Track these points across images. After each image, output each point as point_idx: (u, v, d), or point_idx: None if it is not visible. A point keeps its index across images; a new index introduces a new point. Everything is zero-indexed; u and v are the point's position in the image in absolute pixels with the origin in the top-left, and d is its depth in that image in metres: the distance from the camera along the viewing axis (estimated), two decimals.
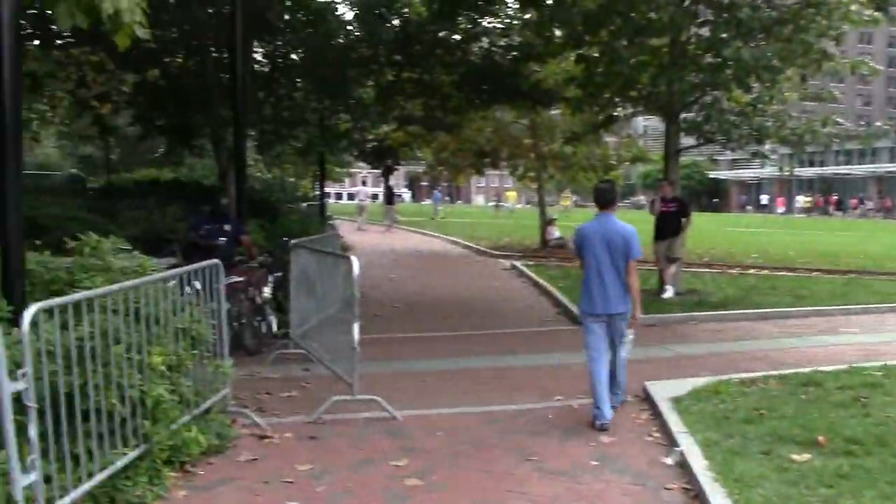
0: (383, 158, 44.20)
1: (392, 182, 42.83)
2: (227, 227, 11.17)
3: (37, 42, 15.12)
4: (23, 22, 16.24)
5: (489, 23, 18.58)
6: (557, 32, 15.90)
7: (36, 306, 4.61)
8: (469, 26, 17.93)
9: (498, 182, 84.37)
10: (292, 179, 30.66)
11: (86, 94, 10.41)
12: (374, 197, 42.89)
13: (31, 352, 4.51)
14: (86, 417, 5.19)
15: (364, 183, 47.00)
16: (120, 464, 5.35)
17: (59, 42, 14.42)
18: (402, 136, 25.86)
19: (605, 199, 7.77)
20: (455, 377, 9.39)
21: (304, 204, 24.92)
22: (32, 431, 4.48)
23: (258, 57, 18.40)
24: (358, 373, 7.64)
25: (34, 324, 4.64)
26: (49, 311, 4.96)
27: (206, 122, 16.19)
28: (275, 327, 11.17)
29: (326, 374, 8.78)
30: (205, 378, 6.82)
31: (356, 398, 7.61)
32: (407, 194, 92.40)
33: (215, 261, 7.36)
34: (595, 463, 6.51)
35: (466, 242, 29.45)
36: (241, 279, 10.79)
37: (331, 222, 31.69)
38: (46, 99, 10.60)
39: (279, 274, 11.68)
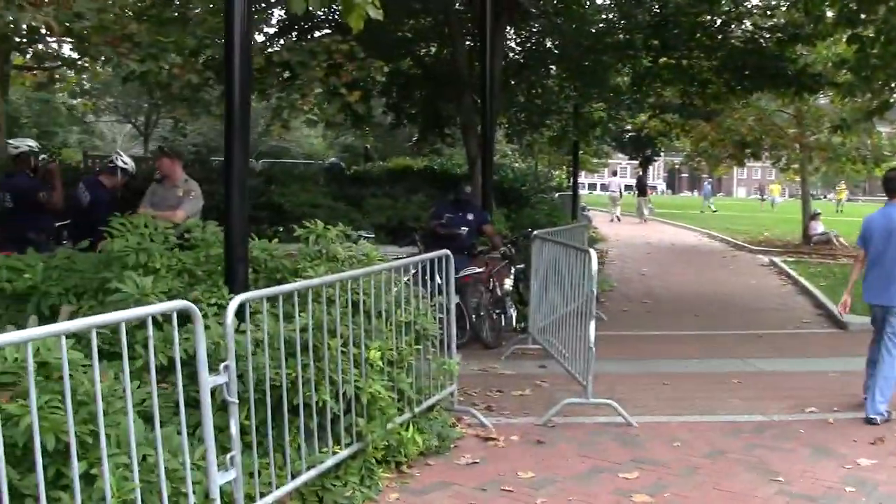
0: (641, 149, 43.20)
1: (644, 173, 41.68)
2: (469, 217, 10.96)
3: (294, 34, 15.67)
4: (280, 13, 16.89)
5: (752, 3, 17.31)
6: (828, 12, 14.51)
7: (241, 297, 4.47)
8: (731, 7, 16.77)
9: (760, 174, 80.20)
10: (545, 169, 30.30)
11: (336, 82, 10.52)
12: (629, 188, 41.80)
13: (235, 344, 4.37)
14: (296, 413, 5.05)
15: (615, 174, 45.89)
16: (330, 462, 5.16)
17: (313, 33, 14.85)
18: (659, 126, 24.85)
19: (890, 186, 7.37)
20: (699, 381, 8.64)
21: (556, 194, 24.49)
22: (234, 427, 4.34)
23: (511, 44, 18.18)
24: (593, 374, 7.13)
25: (240, 315, 4.52)
26: (264, 301, 4.84)
27: (457, 110, 16.14)
28: (514, 321, 10.85)
29: (563, 372, 8.33)
30: (429, 375, 6.57)
31: (589, 401, 7.10)
32: (660, 185, 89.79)
33: (444, 251, 7.09)
34: (850, 489, 5.65)
35: (724, 236, 27.96)
36: (481, 270, 10.55)
37: (585, 213, 31.24)
38: (298, 88, 10.78)
39: (521, 266, 11.35)
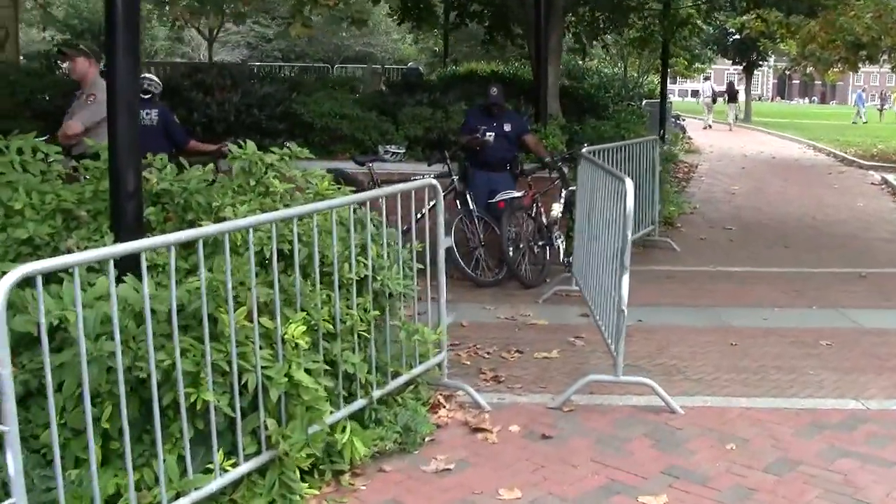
0: (745, 54, 39.99)
1: (748, 79, 38.65)
2: (506, 126, 9.21)
3: None
4: None
5: None
6: None
7: (15, 274, 2.89)
8: None
9: (879, 81, 74.75)
10: (635, 75, 27.88)
11: None
12: (720, 95, 38.76)
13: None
14: (167, 419, 3.56)
15: (708, 79, 42.71)
16: (214, 486, 3.67)
17: None
18: (760, 25, 22.16)
19: None
20: (777, 341, 6.82)
21: (644, 102, 22.28)
22: (10, 462, 2.86)
23: None
24: (624, 346, 5.42)
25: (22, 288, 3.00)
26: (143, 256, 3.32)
27: (520, 5, 14.19)
28: (563, 254, 9.14)
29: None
30: (402, 347, 4.98)
31: (620, 379, 5.41)
32: (769, 93, 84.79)
33: (428, 181, 5.42)
34: None
35: (831, 149, 25.29)
36: (520, 194, 8.83)
37: (680, 122, 28.81)
38: None
39: (574, 188, 9.58)
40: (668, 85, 35.11)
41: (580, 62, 25.46)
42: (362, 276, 4.61)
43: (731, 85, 38.32)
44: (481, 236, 8.81)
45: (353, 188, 8.72)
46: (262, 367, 3.91)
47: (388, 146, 10.00)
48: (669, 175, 15.87)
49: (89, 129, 6.93)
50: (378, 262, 4.73)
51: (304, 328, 4.08)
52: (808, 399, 5.55)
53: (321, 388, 4.16)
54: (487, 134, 9.08)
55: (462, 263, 8.55)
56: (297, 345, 4.03)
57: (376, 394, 4.70)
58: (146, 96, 8.27)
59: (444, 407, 5.23)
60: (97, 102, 6.90)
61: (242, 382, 3.82)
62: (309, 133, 10.34)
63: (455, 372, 5.96)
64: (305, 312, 4.14)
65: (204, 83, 10.56)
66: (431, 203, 9.01)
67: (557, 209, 9.10)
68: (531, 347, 6.60)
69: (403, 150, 9.98)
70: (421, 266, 5.28)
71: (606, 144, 9.23)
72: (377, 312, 4.76)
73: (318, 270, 4.37)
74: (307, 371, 4.17)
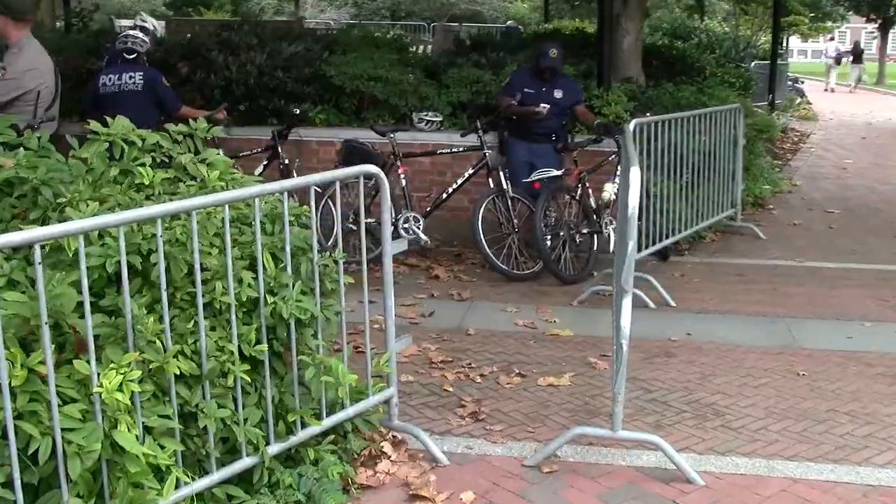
0: (881, 9, 36.83)
1: (883, 38, 35.62)
2: (557, 93, 7.85)
3: None
4: None
5: None
6: None
7: None
8: None
9: None
10: (748, 33, 25.65)
11: None
12: (850, 55, 35.71)
13: None
14: None
15: (832, 39, 39.46)
16: None
17: None
18: None
19: None
20: (860, 375, 5.30)
21: (753, 64, 20.29)
22: None
23: None
24: (623, 390, 4.09)
25: None
26: None
27: None
28: (613, 244, 7.75)
29: (645, 339, 5.49)
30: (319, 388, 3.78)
31: (617, 436, 4.08)
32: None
33: (361, 167, 4.15)
34: None
35: None
36: (559, 173, 7.49)
37: (798, 85, 26.52)
38: None
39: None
40: (792, 44, 32.59)
41: (688, 21, 23.59)
42: (247, 298, 3.42)
43: (856, 44, 35.44)
44: (515, 221, 7.51)
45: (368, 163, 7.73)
46: (68, 430, 2.81)
47: (423, 113, 8.75)
48: (773, 146, 14.14)
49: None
50: (275, 278, 3.53)
51: (136, 374, 2.95)
52: (887, 469, 4.12)
53: (162, 453, 3.04)
54: (543, 105, 7.73)
55: (490, 253, 7.29)
56: (117, 399, 2.89)
57: (273, 449, 3.53)
58: (130, 56, 7.26)
59: (388, 458, 4.04)
60: (6, 80, 5.85)
61: (33, 450, 2.73)
62: (339, 97, 9.18)
63: (426, 402, 4.79)
64: (136, 353, 2.99)
65: (229, 43, 9.50)
66: (469, 173, 7.86)
67: (611, 190, 7.70)
68: (539, 369, 5.33)
69: (440, 119, 8.71)
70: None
71: (673, 114, 7.79)
72: (279, 346, 3.59)
73: (178, 291, 3.22)
74: (147, 430, 3.07)
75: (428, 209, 7.91)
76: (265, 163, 8.08)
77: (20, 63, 5.93)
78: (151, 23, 8.38)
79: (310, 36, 10.29)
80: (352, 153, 7.89)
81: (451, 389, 4.97)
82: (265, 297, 3.46)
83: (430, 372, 5.26)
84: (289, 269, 3.58)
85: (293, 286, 3.56)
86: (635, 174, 3.99)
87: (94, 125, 3.65)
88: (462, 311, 6.54)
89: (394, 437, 4.22)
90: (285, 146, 8.17)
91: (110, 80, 7.18)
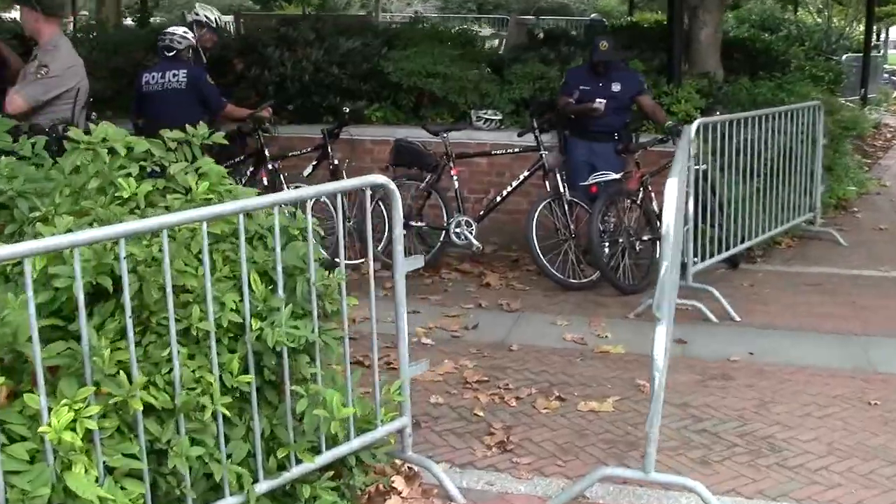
0: None
1: None
2: (615, 86, 7.40)
3: None
4: None
5: None
6: None
7: None
8: None
9: None
10: (841, 24, 24.45)
11: None
12: None
13: None
14: None
15: None
16: None
17: None
18: None
19: None
20: None
21: (845, 56, 19.32)
22: None
23: None
24: (657, 428, 3.67)
25: None
26: None
27: None
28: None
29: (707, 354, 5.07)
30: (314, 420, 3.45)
31: (648, 478, 3.65)
32: None
33: (374, 178, 3.79)
34: None
35: None
36: (618, 177, 7.03)
37: (895, 79, 25.23)
38: None
39: (703, 166, 7.66)
40: (892, 36, 31.15)
41: (779, 12, 22.62)
42: (229, 322, 3.11)
43: None
44: (572, 227, 7.09)
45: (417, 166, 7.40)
46: (12, 472, 2.55)
47: (482, 111, 8.38)
48: (862, 143, 13.35)
49: (37, 108, 5.71)
50: (264, 301, 3.21)
51: (94, 409, 2.67)
52: None
53: (122, 495, 2.75)
54: (598, 100, 7.30)
55: (544, 260, 6.89)
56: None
57: (261, 487, 3.22)
58: (170, 53, 7.05)
59: (399, 494, 3.70)
60: (50, 77, 5.67)
61: None
62: (397, 94, 8.87)
63: (453, 428, 4.44)
64: (74, 396, 2.70)
65: (286, 38, 9.27)
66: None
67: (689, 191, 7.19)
68: (581, 391, 4.92)
69: (500, 117, 8.33)
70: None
71: (742, 114, 7.27)
72: (271, 375, 3.27)
73: (132, 317, 2.93)
74: (110, 470, 2.79)
75: (481, 213, 7.55)
76: (314, 163, 7.81)
77: (60, 60, 5.75)
78: (212, 16, 8.10)
79: (371, 31, 9.96)
80: (402, 153, 7.60)
81: (481, 414, 4.61)
82: (252, 321, 3.15)
83: (462, 393, 4.90)
84: (280, 290, 3.25)
85: (285, 309, 3.24)
86: (671, 187, 3.56)
87: (74, 132, 3.38)
88: (509, 323, 6.16)
89: (408, 469, 3.88)
90: (337, 145, 7.88)
91: (153, 78, 6.99)
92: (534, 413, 4.65)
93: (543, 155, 7.27)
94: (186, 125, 3.59)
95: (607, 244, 6.86)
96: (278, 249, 3.25)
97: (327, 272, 3.46)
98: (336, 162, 7.64)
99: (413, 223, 7.48)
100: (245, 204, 3.15)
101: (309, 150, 7.89)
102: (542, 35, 13.18)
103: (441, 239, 7.42)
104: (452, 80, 8.74)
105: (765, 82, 9.48)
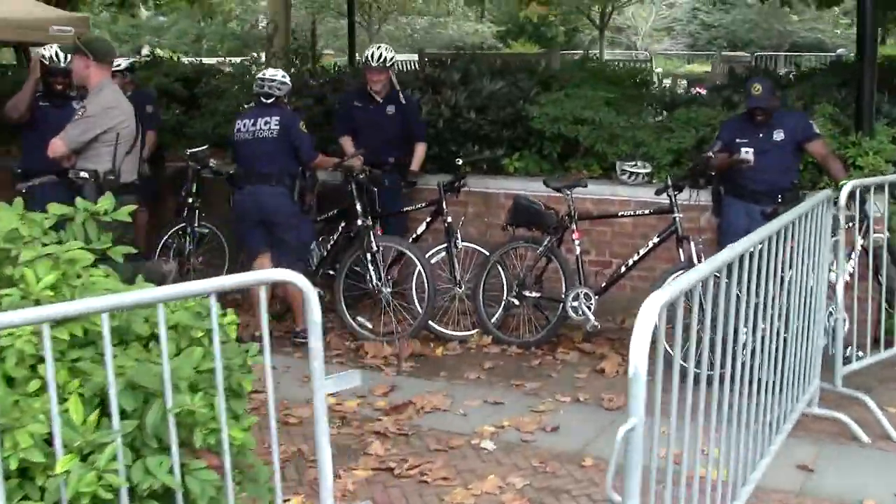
0: None
1: None
2: (777, 134, 6.17)
3: None
4: None
5: None
6: None
7: None
8: None
9: None
10: None
11: None
12: None
13: None
14: None
15: None
16: None
17: None
18: None
19: None
20: None
21: None
22: None
23: None
24: None
25: None
26: None
27: None
28: (853, 348, 5.79)
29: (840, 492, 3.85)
30: None
31: None
32: None
33: (271, 275, 2.90)
34: None
35: None
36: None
37: None
38: None
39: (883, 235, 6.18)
40: None
41: None
42: (17, 466, 2.36)
43: None
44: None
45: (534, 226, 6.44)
46: None
47: (628, 162, 7.29)
48: None
49: (78, 151, 5.40)
50: (84, 433, 2.44)
51: None
52: None
53: None
54: (745, 151, 6.10)
55: (667, 347, 5.69)
56: None
57: None
58: (268, 100, 6.53)
59: None
60: (86, 117, 5.35)
61: None
62: (542, 142, 7.94)
63: None
64: None
65: (431, 80, 8.60)
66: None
67: (845, 268, 5.78)
68: None
69: (648, 170, 7.19)
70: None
71: None
72: None
73: None
74: None
75: (603, 284, 6.47)
76: (428, 220, 7.07)
77: (98, 102, 5.48)
78: (384, 55, 7.33)
79: (525, 71, 9.07)
80: (521, 212, 6.71)
81: None
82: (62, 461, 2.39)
83: None
84: (115, 420, 2.48)
85: (121, 443, 2.46)
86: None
87: None
88: (601, 425, 5.06)
89: None
90: (454, 200, 7.10)
91: (244, 125, 6.51)
92: None
93: (677, 218, 6.11)
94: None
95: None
96: (108, 363, 2.47)
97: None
98: (450, 220, 6.84)
99: (528, 293, 6.54)
100: (48, 312, 2.39)
101: (422, 205, 7.14)
102: (746, 73, 11.75)
103: (558, 313, 6.42)
104: (602, 127, 7.70)
105: None
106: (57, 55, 6.64)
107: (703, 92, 10.05)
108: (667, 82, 14.23)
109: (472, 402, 5.42)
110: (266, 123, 6.41)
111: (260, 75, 6.65)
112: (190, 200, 7.76)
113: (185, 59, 13.61)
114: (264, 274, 2.97)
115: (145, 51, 8.96)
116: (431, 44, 33.96)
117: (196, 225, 7.76)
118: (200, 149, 7.62)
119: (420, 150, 7.38)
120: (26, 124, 6.68)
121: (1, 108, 6.86)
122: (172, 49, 34.28)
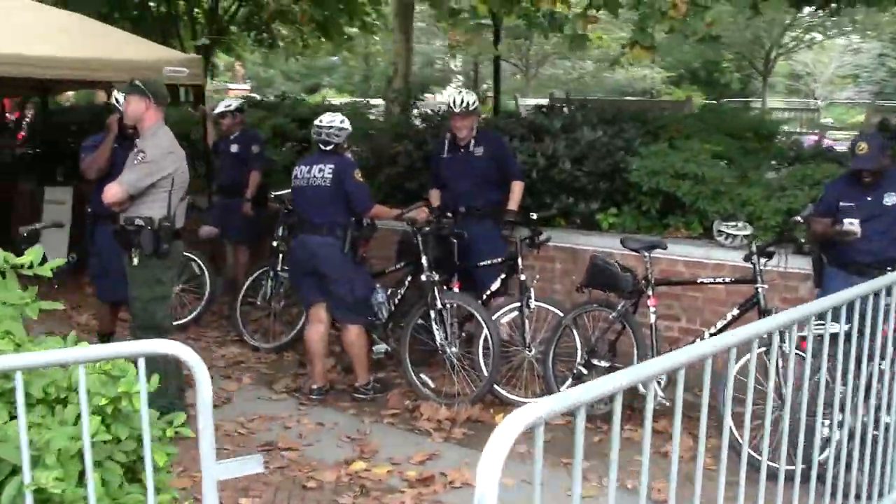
0: None
1: None
2: (888, 199, 5.52)
3: None
4: None
5: None
6: None
7: None
8: None
9: None
10: None
11: None
12: None
13: None
14: None
15: None
16: None
17: None
18: None
19: None
20: None
21: None
22: None
23: None
24: None
25: None
26: None
27: None
28: None
29: None
30: None
31: None
32: None
33: (156, 347, 2.61)
34: None
35: None
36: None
37: None
38: None
39: None
40: None
41: None
42: None
43: None
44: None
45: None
46: None
47: (727, 222, 6.68)
48: None
49: (135, 196, 5.31)
50: None
51: None
52: None
53: None
54: (849, 222, 5.43)
55: (737, 435, 5.10)
56: None
57: None
58: (326, 148, 6.33)
59: None
60: (146, 162, 5.25)
61: None
62: (642, 197, 7.43)
63: None
64: None
65: (534, 127, 8.23)
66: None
67: None
68: None
69: (748, 231, 6.54)
70: None
71: None
72: None
73: None
74: None
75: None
76: (502, 276, 6.68)
77: (157, 145, 5.40)
78: (466, 100, 7.04)
79: (633, 119, 8.53)
80: (597, 274, 6.23)
81: None
82: None
83: None
84: None
85: None
86: None
87: None
88: None
89: None
90: (538, 256, 6.71)
91: (301, 172, 6.34)
92: None
93: (760, 290, 5.49)
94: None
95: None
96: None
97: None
98: (523, 278, 6.44)
99: (597, 362, 6.04)
100: None
101: (499, 260, 6.77)
102: None
103: None
104: (705, 183, 7.13)
105: None
106: None
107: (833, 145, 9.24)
108: (811, 137, 13.22)
109: (509, 481, 4.97)
110: (321, 171, 6.22)
111: (317, 121, 6.43)
112: (275, 244, 7.68)
113: (307, 99, 13.82)
114: (145, 345, 2.69)
115: (234, 103, 8.93)
116: (598, 88, 33.37)
117: (279, 269, 7.65)
118: (286, 191, 7.54)
119: (517, 188, 6.99)
120: None
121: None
122: (339, 88, 35.26)
